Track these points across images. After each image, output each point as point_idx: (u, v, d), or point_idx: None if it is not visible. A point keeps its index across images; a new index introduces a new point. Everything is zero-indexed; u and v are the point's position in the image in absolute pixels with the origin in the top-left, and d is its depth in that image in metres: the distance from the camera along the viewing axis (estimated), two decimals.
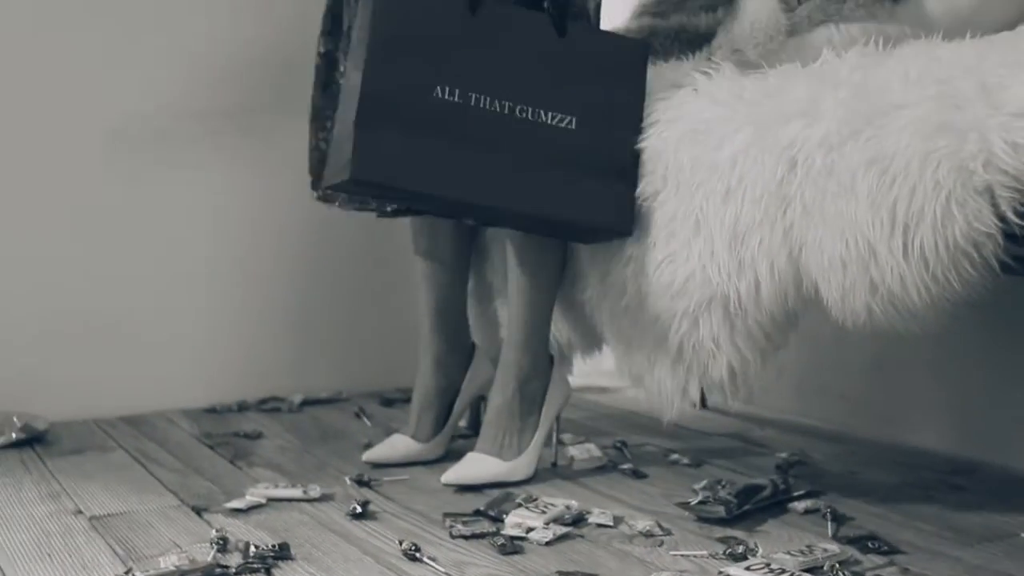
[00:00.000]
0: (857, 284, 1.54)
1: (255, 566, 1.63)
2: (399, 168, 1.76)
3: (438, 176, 1.78)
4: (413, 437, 2.20)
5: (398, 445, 2.19)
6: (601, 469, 2.19)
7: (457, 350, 2.25)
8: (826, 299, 1.61)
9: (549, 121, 1.81)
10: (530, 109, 1.80)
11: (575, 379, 2.66)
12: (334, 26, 2.19)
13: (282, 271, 2.85)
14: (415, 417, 2.22)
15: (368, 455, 2.19)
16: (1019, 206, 1.37)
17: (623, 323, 1.93)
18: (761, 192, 1.65)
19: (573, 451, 2.27)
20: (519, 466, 2.05)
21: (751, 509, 1.89)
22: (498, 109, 1.79)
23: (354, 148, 1.74)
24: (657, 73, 1.91)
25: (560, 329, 2.20)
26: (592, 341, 2.20)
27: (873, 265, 1.50)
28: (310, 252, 2.87)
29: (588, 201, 1.84)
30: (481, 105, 1.78)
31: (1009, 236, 1.42)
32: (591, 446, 2.29)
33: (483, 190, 1.79)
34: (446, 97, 1.77)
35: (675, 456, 2.26)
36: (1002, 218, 1.40)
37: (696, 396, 2.14)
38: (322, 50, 2.20)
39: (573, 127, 1.82)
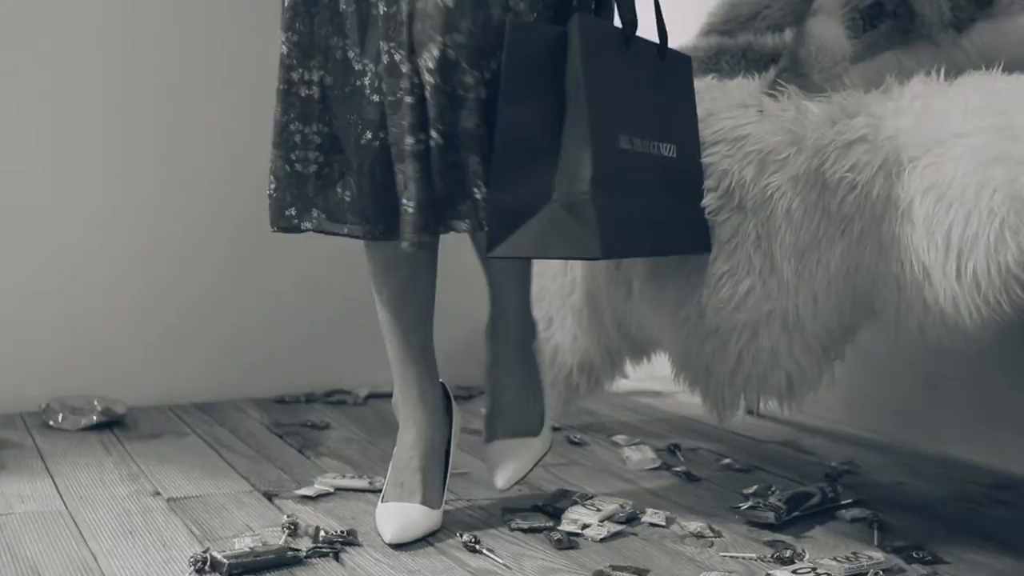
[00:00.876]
0: (912, 304, 1.59)
1: (324, 550, 1.72)
2: (626, 234, 1.66)
3: (647, 234, 1.72)
4: (425, 503, 1.84)
5: (418, 520, 1.82)
6: (655, 471, 2.26)
7: (437, 387, 1.97)
8: (882, 317, 1.66)
9: (664, 153, 1.76)
10: (659, 144, 1.74)
11: (630, 383, 2.72)
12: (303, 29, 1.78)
13: (349, 266, 2.94)
14: (421, 480, 1.85)
15: (393, 539, 1.79)
16: None
17: (681, 333, 2.00)
18: (822, 213, 1.71)
19: (628, 452, 2.34)
20: (547, 435, 2.00)
21: (800, 515, 1.95)
22: (647, 149, 1.72)
23: (598, 221, 1.58)
24: (723, 92, 1.97)
25: (610, 336, 2.26)
26: (642, 350, 2.27)
27: (927, 287, 1.56)
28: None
29: (695, 226, 1.86)
30: (639, 149, 1.70)
31: None
32: (646, 448, 2.36)
33: (672, 240, 1.79)
34: (624, 147, 1.66)
35: (727, 461, 2.33)
36: None
37: (752, 404, 2.21)
38: (287, 56, 1.79)
39: (675, 155, 1.78)
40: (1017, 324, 1.56)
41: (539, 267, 2.41)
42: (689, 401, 2.48)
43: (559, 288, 2.37)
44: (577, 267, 2.31)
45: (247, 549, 1.68)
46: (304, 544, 1.74)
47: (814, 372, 1.87)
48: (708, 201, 1.89)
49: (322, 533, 1.77)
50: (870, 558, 1.72)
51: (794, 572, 1.66)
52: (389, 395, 2.92)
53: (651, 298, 2.07)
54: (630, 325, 2.21)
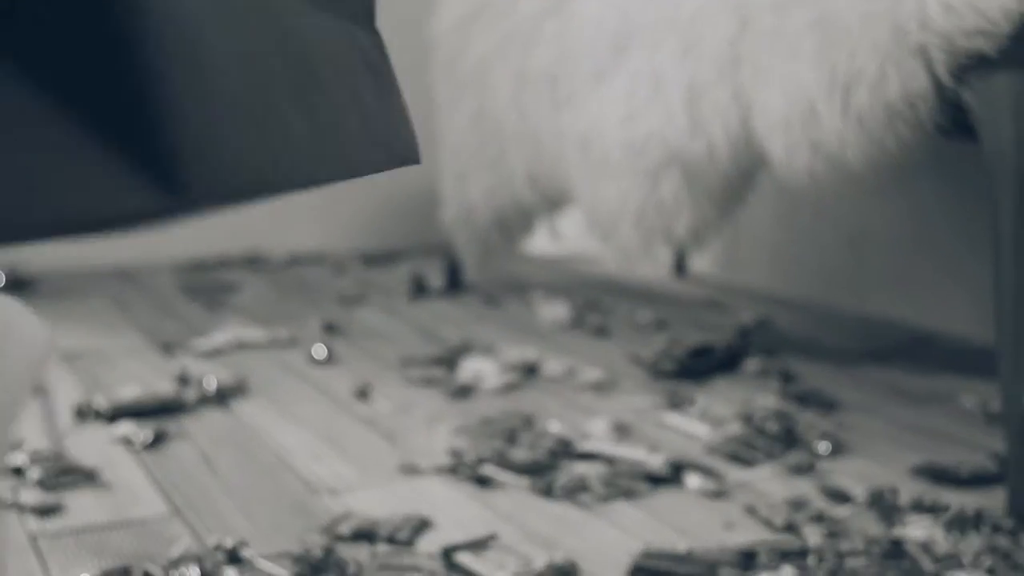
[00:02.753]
0: (800, 144, 1.60)
1: (212, 399, 1.75)
2: None
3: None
4: None
5: None
6: (566, 327, 2.29)
7: None
8: (772, 158, 1.67)
9: None
10: None
11: (554, 248, 2.74)
12: None
13: None
14: None
15: None
16: (953, 68, 1.42)
17: (589, 178, 2.00)
18: (715, 51, 1.70)
19: (541, 309, 2.37)
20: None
21: (704, 367, 1.98)
22: None
23: None
24: None
25: (522, 190, 2.26)
26: (554, 203, 2.27)
27: (814, 125, 1.56)
28: None
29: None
30: None
31: (946, 99, 1.48)
32: (560, 305, 2.38)
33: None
34: None
35: (643, 319, 2.35)
36: (937, 80, 1.45)
37: (667, 259, 2.22)
38: None
39: None
40: (904, 164, 1.56)
41: (448, 124, 2.40)
42: (617, 267, 2.49)
43: (474, 142, 2.36)
44: (490, 118, 2.30)
45: (132, 397, 1.70)
46: (193, 394, 1.76)
47: (718, 219, 1.89)
48: (611, 41, 1.88)
49: (212, 383, 1.79)
50: (764, 408, 1.76)
51: (681, 415, 1.70)
52: (312, 260, 2.96)
53: (561, 142, 2.07)
54: (540, 178, 2.21)
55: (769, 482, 1.48)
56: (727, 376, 1.97)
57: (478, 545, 1.23)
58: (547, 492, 1.41)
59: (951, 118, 1.50)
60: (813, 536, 1.29)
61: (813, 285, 2.59)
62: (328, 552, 1.19)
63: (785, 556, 1.22)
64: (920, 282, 2.35)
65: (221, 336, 2.08)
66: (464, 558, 1.20)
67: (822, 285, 2.57)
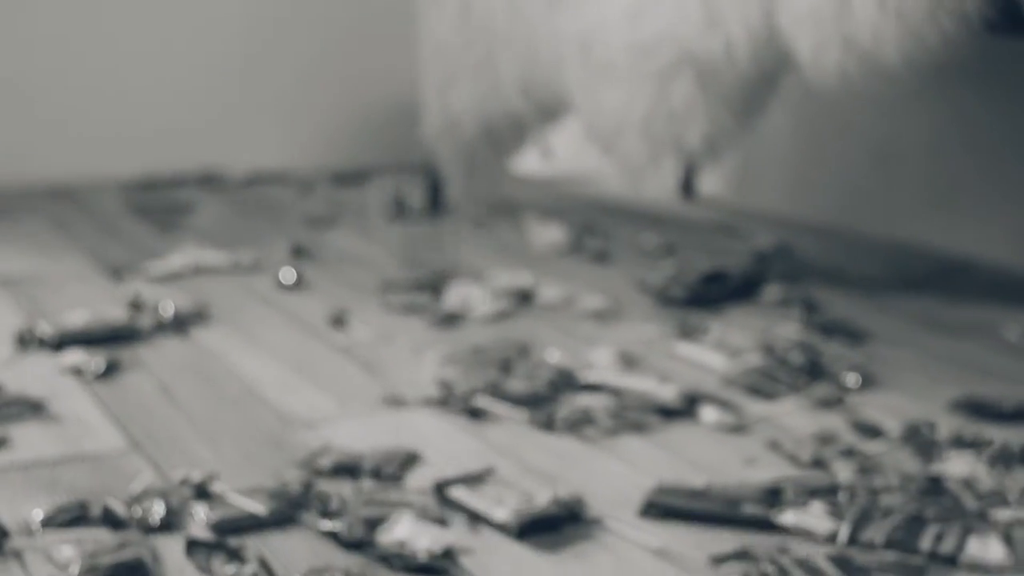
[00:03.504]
0: (830, 40, 1.60)
1: (169, 327, 1.75)
2: None
3: None
4: None
5: None
6: (563, 252, 2.29)
7: None
8: (799, 57, 1.67)
9: None
10: None
11: (548, 169, 2.73)
12: None
13: (233, 29, 2.89)
14: None
15: None
16: None
17: (590, 84, 2.00)
18: None
19: (535, 232, 2.37)
20: None
21: (718, 294, 1.99)
22: None
23: None
24: None
25: (514, 98, 2.25)
26: (549, 113, 2.27)
27: (847, 18, 1.56)
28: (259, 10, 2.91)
29: None
30: None
31: None
32: (556, 228, 2.38)
33: None
34: None
35: (648, 243, 2.36)
36: None
37: (675, 174, 2.22)
38: None
39: None
40: (947, 63, 1.56)
41: (436, 21, 2.39)
42: (621, 189, 2.49)
43: (459, 43, 2.34)
44: (479, 16, 2.29)
45: (80, 324, 1.70)
46: (148, 320, 1.76)
47: (735, 128, 1.89)
48: None
49: (169, 309, 1.78)
50: (786, 339, 1.77)
51: (693, 345, 1.71)
52: (275, 179, 2.95)
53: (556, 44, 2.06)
54: (533, 84, 2.20)
55: (793, 416, 1.49)
56: (743, 304, 1.98)
57: (474, 480, 1.23)
58: (547, 425, 1.42)
59: (1002, 10, 1.50)
60: (843, 472, 1.30)
61: (837, 209, 2.59)
62: (307, 487, 1.20)
63: (814, 493, 1.24)
64: (957, 204, 2.36)
65: (177, 260, 2.08)
66: (459, 493, 1.21)
67: (847, 208, 2.57)
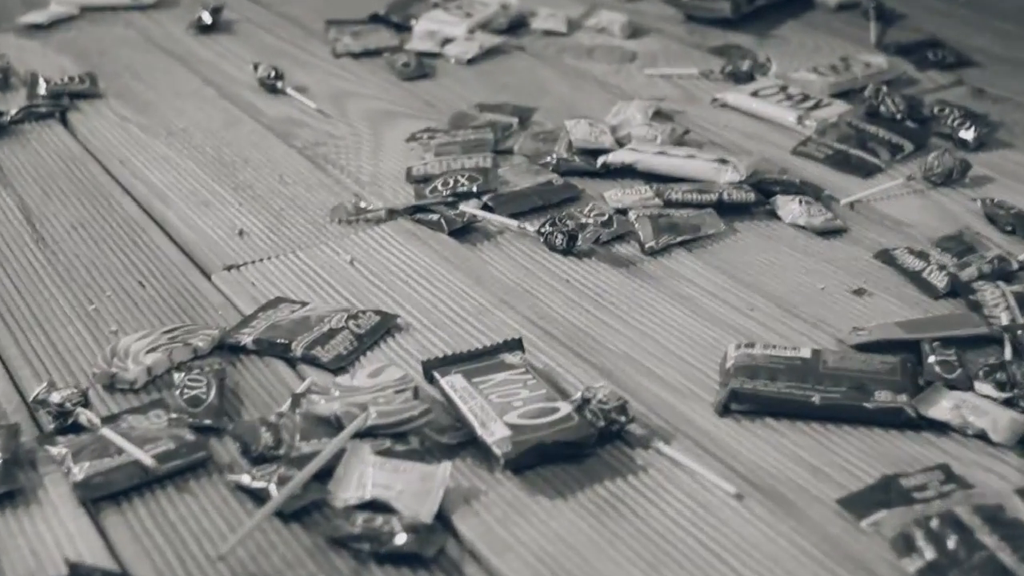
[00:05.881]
0: None
1: (43, 109, 1.31)
2: None
3: None
4: None
5: None
6: None
7: None
8: None
9: None
10: None
11: None
12: None
13: None
14: None
15: None
16: None
17: None
18: None
19: None
20: None
21: (764, 3, 1.55)
22: None
23: None
24: None
25: None
26: None
27: None
28: None
29: None
30: None
31: None
32: None
33: None
34: None
35: None
36: None
37: None
38: None
39: None
40: None
41: None
42: None
43: None
44: None
45: None
46: (16, 101, 1.33)
47: None
48: None
49: (43, 83, 1.35)
50: (866, 65, 1.34)
51: (754, 95, 1.29)
52: None
53: None
54: None
55: (905, 205, 1.09)
56: (797, 17, 1.55)
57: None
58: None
59: None
60: (998, 306, 0.92)
61: None
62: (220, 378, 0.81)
63: (966, 346, 0.85)
64: None
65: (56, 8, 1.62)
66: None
67: None
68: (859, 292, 0.95)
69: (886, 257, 0.99)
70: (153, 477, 0.75)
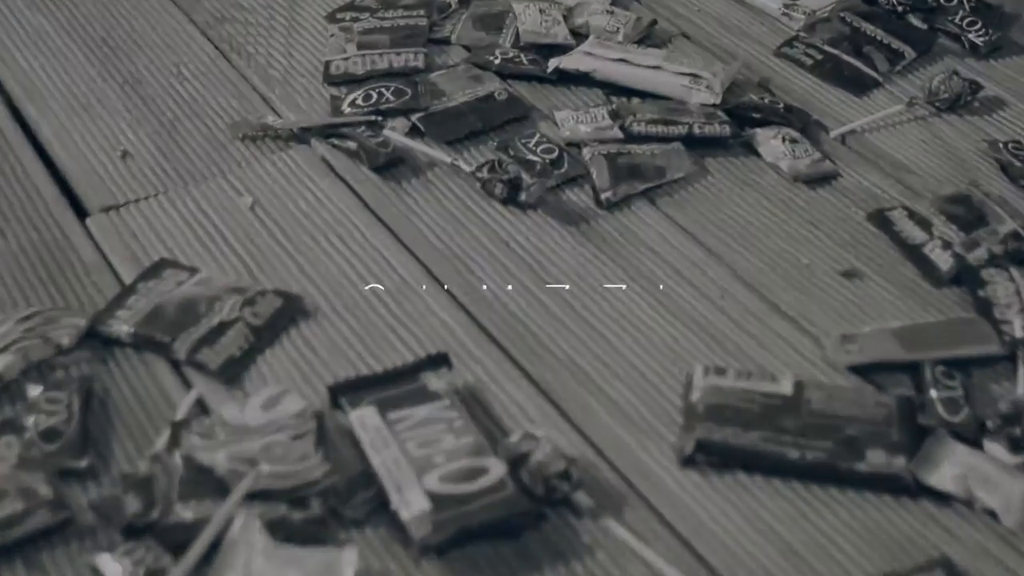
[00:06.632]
0: None
1: None
2: None
3: None
4: None
5: None
6: None
7: None
8: None
9: None
10: None
11: None
12: None
13: None
14: None
15: None
16: None
17: None
18: None
19: None
20: None
21: None
22: None
23: None
24: None
25: None
26: None
27: None
28: None
29: None
30: None
31: None
32: None
33: None
34: None
35: None
36: None
37: None
38: None
39: None
40: None
41: None
42: None
43: None
44: None
45: None
46: None
47: None
48: None
49: None
50: None
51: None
52: None
53: None
54: None
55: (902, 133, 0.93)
56: None
57: None
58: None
59: None
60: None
61: None
62: None
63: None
64: None
65: None
66: None
67: None
68: (849, 275, 0.81)
69: (881, 221, 0.84)
70: None
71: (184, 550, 0.60)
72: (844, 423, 0.68)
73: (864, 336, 0.75)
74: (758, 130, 0.91)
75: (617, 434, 0.69)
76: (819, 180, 0.89)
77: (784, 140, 0.90)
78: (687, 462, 0.67)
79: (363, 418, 0.68)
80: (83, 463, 0.66)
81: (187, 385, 0.72)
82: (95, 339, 0.74)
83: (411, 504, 0.63)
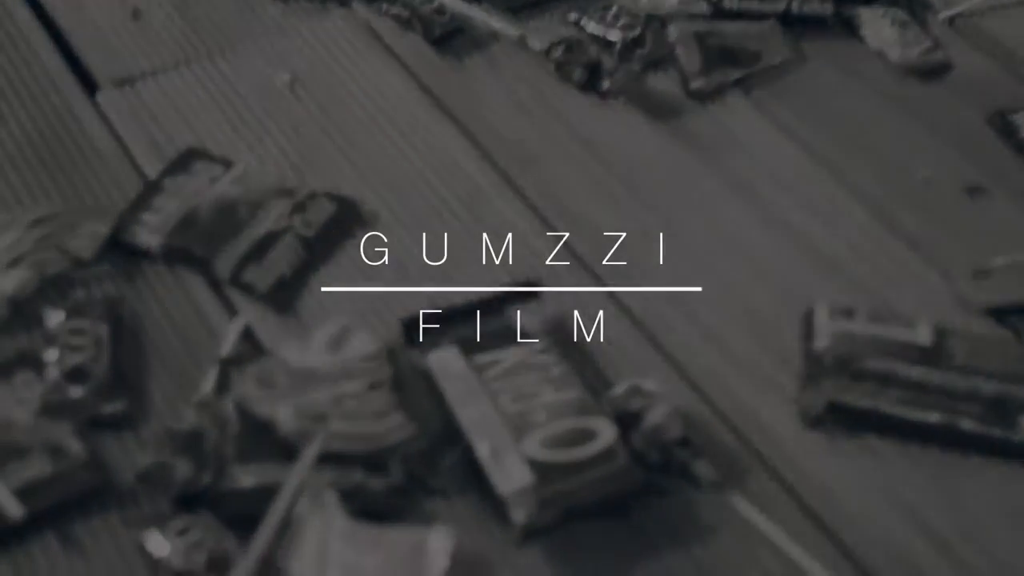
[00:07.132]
0: None
1: None
2: None
3: None
4: None
5: None
6: None
7: None
8: None
9: None
10: None
11: None
12: None
13: None
14: None
15: None
16: None
17: None
18: None
19: None
20: None
21: None
22: None
23: None
24: None
25: None
26: None
27: None
28: None
29: None
30: None
31: None
32: None
33: None
34: None
35: None
36: None
37: None
38: None
39: None
40: None
41: None
42: None
43: None
44: None
45: None
46: None
47: None
48: None
49: None
50: None
51: None
52: None
53: None
54: None
55: None
56: None
57: None
58: None
59: None
60: None
61: None
62: None
63: None
64: None
65: None
66: None
67: None
68: (973, 191, 0.72)
69: (1003, 125, 0.75)
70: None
71: (244, 524, 0.52)
72: (990, 382, 0.60)
73: (1000, 270, 0.66)
74: (862, 9, 0.81)
75: (730, 386, 0.60)
76: (931, 72, 0.79)
77: (893, 23, 0.79)
78: (815, 423, 0.59)
79: (445, 362, 0.58)
80: (118, 409, 0.57)
81: (229, 309, 0.62)
82: (118, 249, 0.64)
83: (511, 476, 0.54)
